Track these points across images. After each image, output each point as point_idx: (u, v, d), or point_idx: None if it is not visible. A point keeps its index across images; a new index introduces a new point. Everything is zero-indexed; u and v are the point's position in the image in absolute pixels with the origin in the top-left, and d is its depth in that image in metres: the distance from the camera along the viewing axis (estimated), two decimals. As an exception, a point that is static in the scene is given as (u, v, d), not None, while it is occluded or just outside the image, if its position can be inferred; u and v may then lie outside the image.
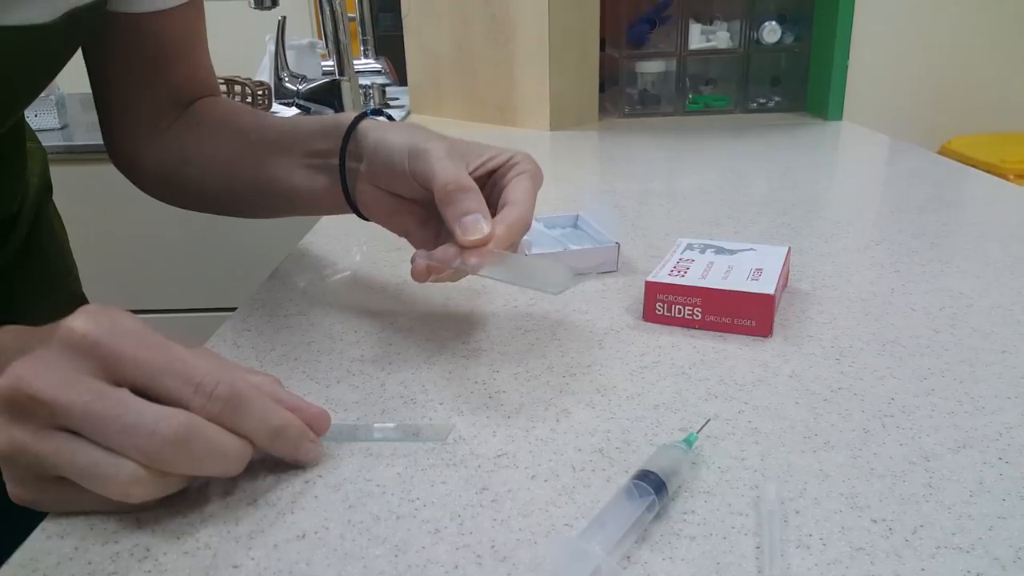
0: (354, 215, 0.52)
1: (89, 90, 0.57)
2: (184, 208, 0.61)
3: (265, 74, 1.53)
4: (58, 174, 0.68)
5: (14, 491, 0.31)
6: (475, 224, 0.41)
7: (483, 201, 0.42)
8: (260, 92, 1.41)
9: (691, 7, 1.30)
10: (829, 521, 0.31)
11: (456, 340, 0.49)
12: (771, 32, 1.29)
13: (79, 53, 0.53)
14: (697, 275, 0.50)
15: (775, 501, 0.32)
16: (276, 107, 1.48)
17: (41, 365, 0.30)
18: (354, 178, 0.49)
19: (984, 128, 2.25)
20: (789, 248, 0.56)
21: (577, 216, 0.67)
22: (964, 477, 0.34)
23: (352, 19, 1.71)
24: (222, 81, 1.36)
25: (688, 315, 0.49)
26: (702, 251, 0.55)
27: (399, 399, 0.42)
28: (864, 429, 0.38)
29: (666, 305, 0.50)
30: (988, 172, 0.92)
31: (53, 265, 0.65)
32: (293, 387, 0.43)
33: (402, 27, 1.38)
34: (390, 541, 0.31)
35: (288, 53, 1.51)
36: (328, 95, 1.44)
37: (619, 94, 1.35)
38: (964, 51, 2.27)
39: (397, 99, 1.67)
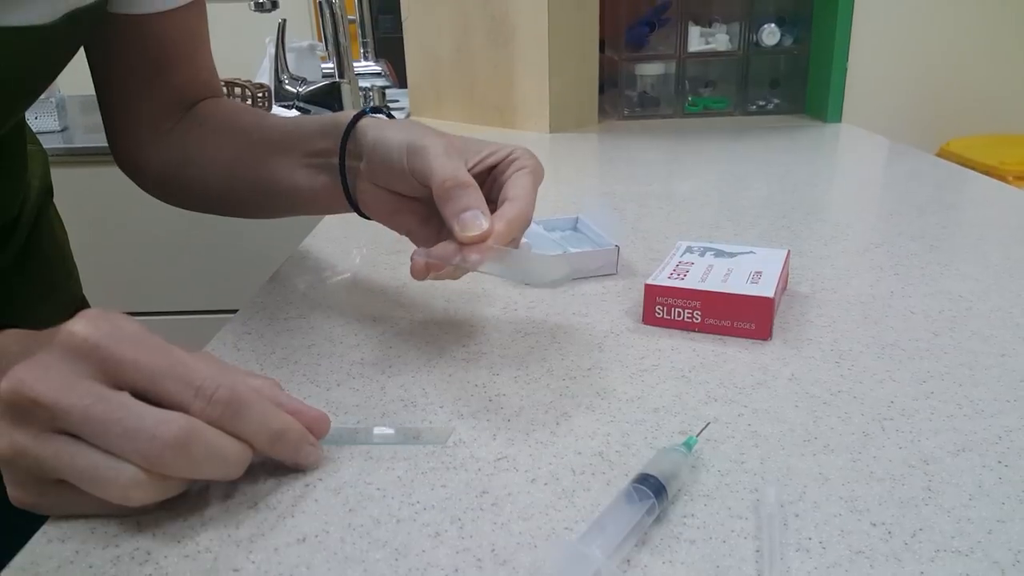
0: (355, 214, 0.52)
1: (90, 92, 0.58)
2: (187, 209, 0.61)
3: (265, 76, 1.53)
4: (58, 176, 0.69)
5: (15, 494, 0.31)
6: (474, 220, 0.41)
7: (482, 197, 0.42)
8: (260, 94, 1.41)
9: (690, 9, 1.30)
10: (828, 524, 0.32)
11: (456, 343, 0.49)
12: (770, 34, 1.29)
13: (80, 55, 0.53)
14: (697, 278, 0.50)
15: (775, 504, 0.32)
16: (276, 109, 1.48)
17: (42, 369, 0.30)
18: (354, 177, 0.49)
19: (983, 130, 2.25)
20: (788, 251, 0.56)
21: (577, 219, 0.67)
22: (963, 480, 0.34)
23: (352, 21, 1.71)
24: (222, 83, 1.36)
25: (688, 318, 0.49)
26: (701, 254, 0.55)
27: (399, 402, 0.42)
28: (863, 432, 0.38)
29: (666, 308, 0.50)
30: (987, 174, 0.92)
31: (54, 267, 0.65)
32: (293, 390, 0.43)
33: (402, 29, 1.39)
34: (390, 545, 0.31)
35: (288, 55, 1.51)
36: (328, 97, 1.44)
37: (618, 96, 1.35)
38: (963, 53, 2.27)
39: (397, 101, 1.67)
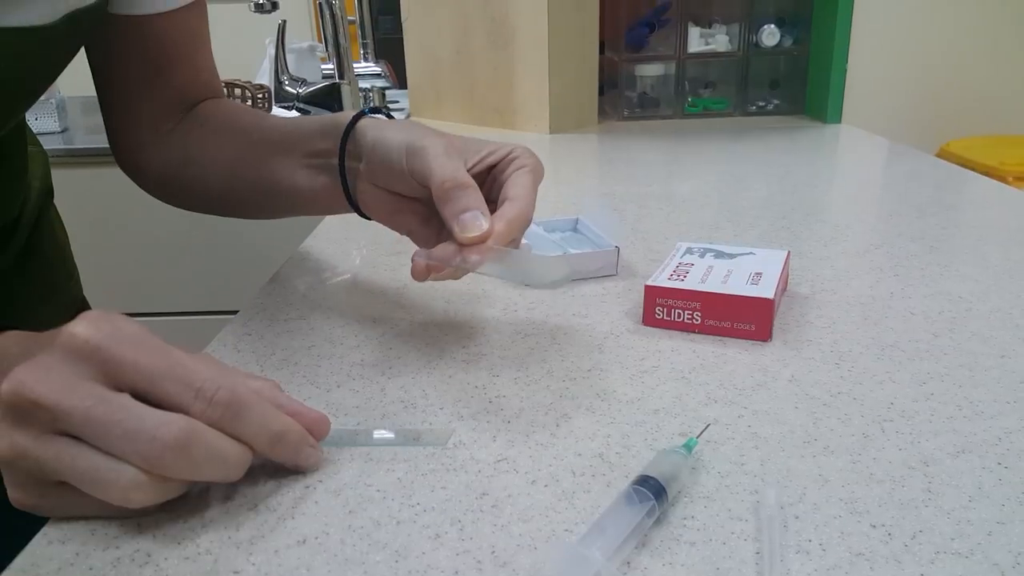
0: (356, 215, 0.52)
1: (90, 93, 0.58)
2: (187, 209, 0.61)
3: (265, 77, 1.54)
4: (58, 177, 0.69)
5: (15, 496, 0.31)
6: (473, 221, 0.40)
7: (481, 198, 0.42)
8: (260, 95, 1.42)
9: (690, 10, 1.30)
10: (828, 526, 0.32)
11: (456, 344, 0.49)
12: (770, 35, 1.29)
13: (80, 55, 0.53)
14: (697, 279, 0.50)
15: (775, 506, 0.32)
16: (276, 110, 1.48)
17: (43, 370, 0.30)
18: (354, 177, 0.49)
19: (982, 131, 2.25)
20: (788, 252, 0.56)
21: (577, 220, 0.67)
22: (963, 482, 0.34)
23: (352, 22, 1.71)
24: (222, 84, 1.36)
25: (688, 319, 0.49)
26: (701, 255, 0.55)
27: (399, 404, 0.42)
28: (863, 434, 0.38)
29: (666, 309, 0.50)
30: (987, 174, 0.92)
31: (54, 269, 0.65)
32: (293, 392, 0.43)
33: (402, 30, 1.39)
34: (390, 547, 0.31)
35: (288, 56, 1.52)
36: (328, 98, 1.44)
37: (618, 97, 1.35)
38: (962, 53, 2.27)
39: (397, 102, 1.67)
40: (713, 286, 0.49)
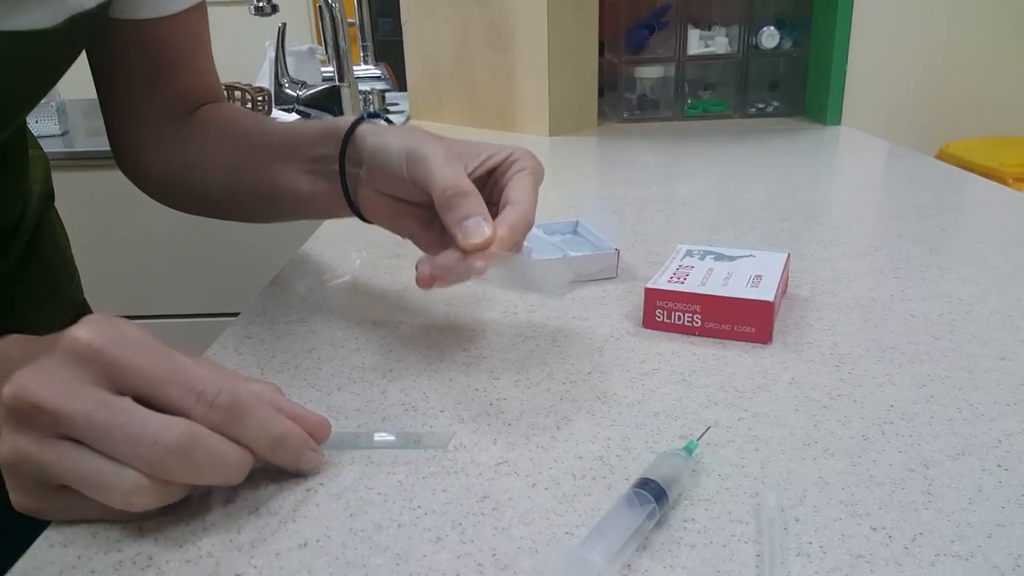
0: (356, 218, 0.52)
1: (90, 96, 0.58)
2: (188, 212, 0.61)
3: (265, 80, 1.54)
4: (59, 180, 0.69)
5: (17, 499, 0.32)
6: (476, 228, 0.41)
7: (483, 204, 0.42)
8: (260, 98, 1.42)
9: (690, 12, 1.30)
10: (829, 529, 0.32)
11: (456, 347, 0.49)
12: (770, 37, 1.30)
13: (81, 58, 0.54)
14: (697, 282, 0.50)
15: (775, 509, 0.32)
16: (276, 113, 1.48)
17: (45, 374, 0.30)
18: (355, 183, 0.49)
19: (982, 132, 2.26)
20: (788, 254, 0.56)
21: (577, 222, 0.67)
22: (963, 484, 0.34)
23: (352, 24, 1.71)
24: (223, 88, 1.36)
25: (688, 322, 0.49)
26: (701, 257, 0.55)
27: (400, 406, 0.42)
28: (864, 436, 0.38)
29: (666, 312, 0.50)
30: (987, 176, 0.92)
31: (55, 272, 0.65)
32: (294, 395, 0.43)
33: (401, 32, 1.39)
34: (392, 550, 0.31)
35: (288, 59, 1.52)
36: (328, 101, 1.44)
37: (618, 99, 1.35)
38: (962, 55, 2.28)
39: (397, 104, 1.67)
40: (713, 289, 0.49)
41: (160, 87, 0.57)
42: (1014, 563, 0.30)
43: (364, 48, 1.75)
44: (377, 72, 1.66)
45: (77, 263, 0.70)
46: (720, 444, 0.38)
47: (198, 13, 0.57)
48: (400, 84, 1.58)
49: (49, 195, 0.66)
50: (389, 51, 1.72)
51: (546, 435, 0.39)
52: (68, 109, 1.46)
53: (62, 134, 1.41)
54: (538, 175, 0.45)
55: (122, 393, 0.31)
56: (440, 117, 1.39)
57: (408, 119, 1.46)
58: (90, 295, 0.71)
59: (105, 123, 0.59)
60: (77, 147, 1.34)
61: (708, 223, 0.74)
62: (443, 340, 0.50)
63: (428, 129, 0.47)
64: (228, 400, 0.31)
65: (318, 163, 0.50)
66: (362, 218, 0.51)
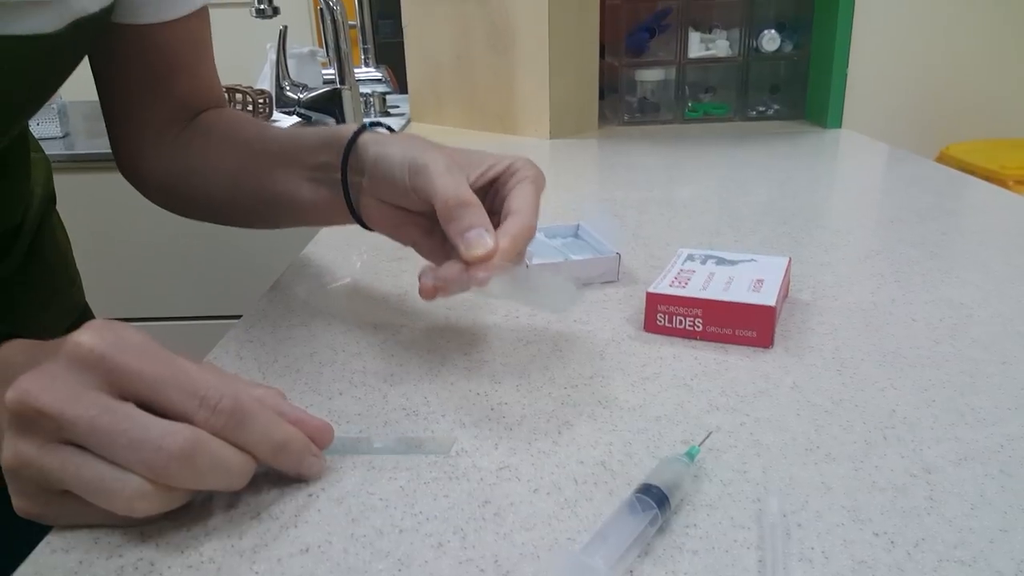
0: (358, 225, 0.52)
1: (91, 98, 0.58)
2: (188, 217, 0.61)
3: (266, 82, 1.54)
4: (60, 182, 0.69)
5: (19, 504, 0.32)
6: (479, 239, 0.41)
7: (485, 215, 0.42)
8: (261, 100, 1.42)
9: (690, 16, 1.30)
10: (831, 535, 0.32)
11: (458, 352, 0.49)
12: (770, 40, 1.30)
13: (83, 61, 0.54)
14: (698, 286, 0.50)
15: (777, 514, 0.32)
16: (277, 115, 1.48)
17: (48, 379, 0.30)
18: (357, 191, 0.49)
19: (982, 134, 2.26)
20: (790, 259, 0.56)
21: (578, 226, 0.67)
22: (965, 490, 0.34)
23: (353, 27, 1.71)
24: (224, 93, 1.36)
25: (689, 326, 0.49)
26: (703, 261, 0.55)
27: (401, 411, 0.42)
28: (865, 441, 0.38)
29: (667, 316, 0.50)
30: (988, 178, 0.92)
31: (56, 274, 0.65)
32: (295, 399, 0.43)
33: (402, 34, 1.39)
34: (393, 555, 0.31)
35: (289, 61, 1.52)
36: (329, 103, 1.44)
37: (619, 102, 1.35)
38: (962, 56, 2.28)
39: (397, 107, 1.67)
40: (714, 293, 0.49)
41: (161, 92, 0.57)
42: (1016, 568, 0.30)
43: (365, 50, 1.75)
44: (378, 74, 1.66)
45: (78, 265, 0.70)
46: (722, 449, 0.38)
47: (200, 19, 0.57)
48: (401, 86, 1.58)
49: (51, 198, 0.66)
50: (390, 53, 1.72)
51: (548, 440, 0.39)
52: (69, 111, 1.46)
53: (63, 136, 1.41)
54: (539, 184, 0.46)
55: (125, 398, 0.31)
56: (441, 119, 1.39)
57: (408, 121, 1.46)
58: (91, 297, 0.71)
59: (106, 127, 0.59)
60: (78, 149, 1.34)
61: (709, 226, 0.74)
62: (444, 344, 0.50)
63: (429, 131, 0.47)
64: (230, 405, 0.31)
65: (320, 171, 0.50)
66: (364, 226, 0.51)
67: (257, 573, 0.30)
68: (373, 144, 0.47)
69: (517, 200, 0.44)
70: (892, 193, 0.89)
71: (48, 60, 0.46)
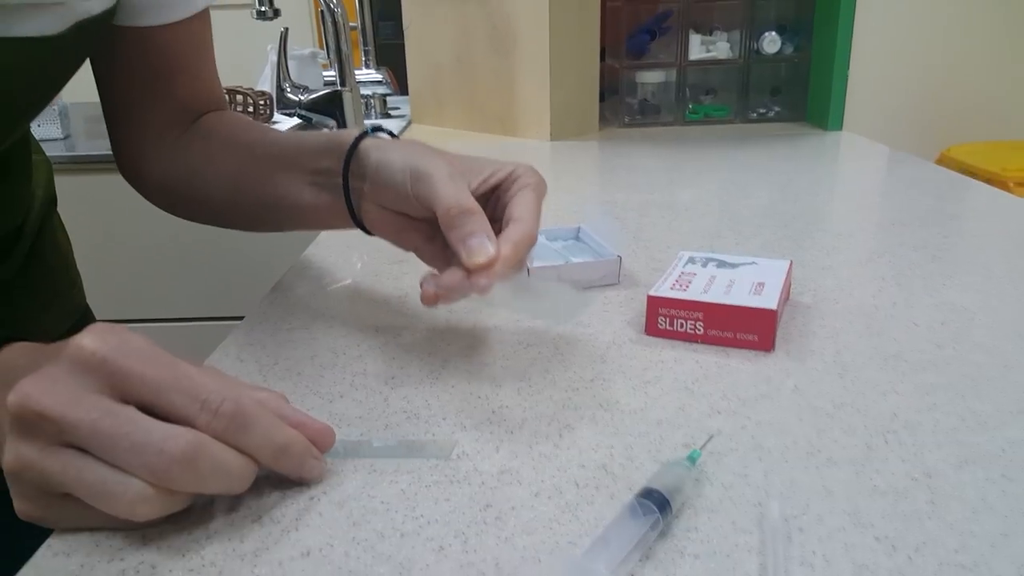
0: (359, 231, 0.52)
1: (92, 99, 0.58)
2: (189, 220, 0.61)
3: (267, 84, 1.54)
4: (61, 184, 0.69)
5: (21, 507, 0.32)
6: (480, 247, 0.41)
7: (487, 222, 0.42)
8: (262, 102, 1.42)
9: (691, 18, 1.30)
10: (832, 539, 0.32)
11: (459, 355, 0.49)
12: (771, 42, 1.30)
13: (84, 64, 0.54)
14: (699, 289, 0.50)
15: (779, 519, 0.32)
16: (277, 117, 1.48)
17: (49, 382, 0.30)
18: (358, 197, 0.49)
19: (983, 136, 2.26)
20: (791, 262, 0.56)
21: (579, 228, 0.67)
22: (967, 494, 0.34)
23: (353, 28, 1.71)
24: (226, 95, 1.36)
25: (690, 330, 0.49)
26: (704, 264, 0.55)
27: (402, 414, 0.42)
28: (867, 445, 0.38)
29: (668, 319, 0.50)
30: (988, 180, 0.92)
31: (57, 276, 0.65)
32: (296, 402, 0.43)
33: (403, 35, 1.39)
34: (394, 559, 0.31)
35: (290, 63, 1.52)
36: (330, 105, 1.44)
37: (619, 104, 1.35)
38: (963, 58, 2.28)
39: (398, 108, 1.67)
40: (716, 296, 0.49)
41: (162, 94, 0.57)
42: (1017, 573, 0.30)
43: (366, 52, 1.75)
44: (379, 76, 1.66)
45: (79, 267, 0.70)
46: (723, 453, 0.38)
47: (201, 21, 0.57)
48: (401, 88, 1.58)
49: (52, 200, 0.66)
50: (390, 55, 1.72)
51: (549, 443, 0.39)
52: (71, 113, 1.46)
53: (64, 138, 1.41)
54: (540, 191, 0.46)
55: (126, 402, 0.31)
56: (441, 121, 1.39)
57: (409, 123, 1.46)
58: (92, 299, 0.71)
59: (108, 129, 0.60)
60: (79, 151, 1.34)
61: (710, 229, 0.74)
62: (445, 347, 0.50)
63: (429, 133, 0.47)
64: (232, 408, 0.31)
65: (321, 176, 0.50)
66: (365, 231, 0.51)
67: (258, 577, 0.30)
68: (374, 150, 0.47)
69: (519, 207, 0.44)
70: (893, 196, 0.89)
71: (51, 62, 0.46)
